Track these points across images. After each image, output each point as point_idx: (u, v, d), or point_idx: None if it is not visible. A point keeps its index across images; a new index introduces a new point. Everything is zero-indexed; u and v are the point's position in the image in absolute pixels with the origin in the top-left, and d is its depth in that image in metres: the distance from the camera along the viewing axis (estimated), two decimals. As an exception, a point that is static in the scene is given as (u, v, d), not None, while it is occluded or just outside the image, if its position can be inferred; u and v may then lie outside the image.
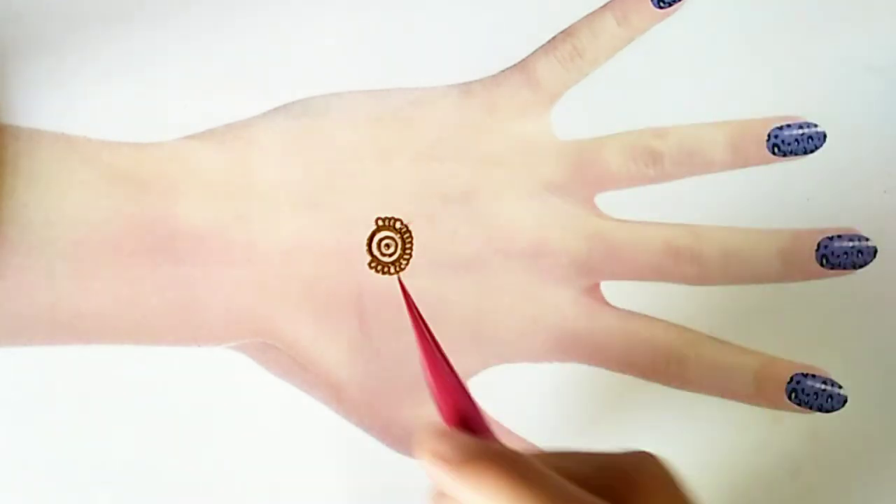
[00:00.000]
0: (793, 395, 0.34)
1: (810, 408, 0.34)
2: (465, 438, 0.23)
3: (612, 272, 0.34)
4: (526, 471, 0.21)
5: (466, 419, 0.24)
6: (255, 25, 0.34)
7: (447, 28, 0.34)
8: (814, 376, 0.34)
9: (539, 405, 0.34)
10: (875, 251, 0.34)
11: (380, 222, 0.34)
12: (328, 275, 0.34)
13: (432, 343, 0.25)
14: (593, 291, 0.34)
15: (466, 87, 0.34)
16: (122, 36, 0.33)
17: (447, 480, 0.22)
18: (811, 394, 0.34)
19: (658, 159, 0.34)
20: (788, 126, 0.34)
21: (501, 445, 0.23)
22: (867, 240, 0.34)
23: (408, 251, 0.34)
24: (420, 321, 0.26)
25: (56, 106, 0.33)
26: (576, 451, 0.25)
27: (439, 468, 0.22)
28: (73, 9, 0.33)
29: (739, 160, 0.34)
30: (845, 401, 0.34)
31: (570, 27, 0.34)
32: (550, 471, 0.22)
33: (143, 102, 0.33)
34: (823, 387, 0.34)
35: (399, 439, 0.34)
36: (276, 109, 0.34)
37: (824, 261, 0.34)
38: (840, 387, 0.34)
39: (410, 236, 0.34)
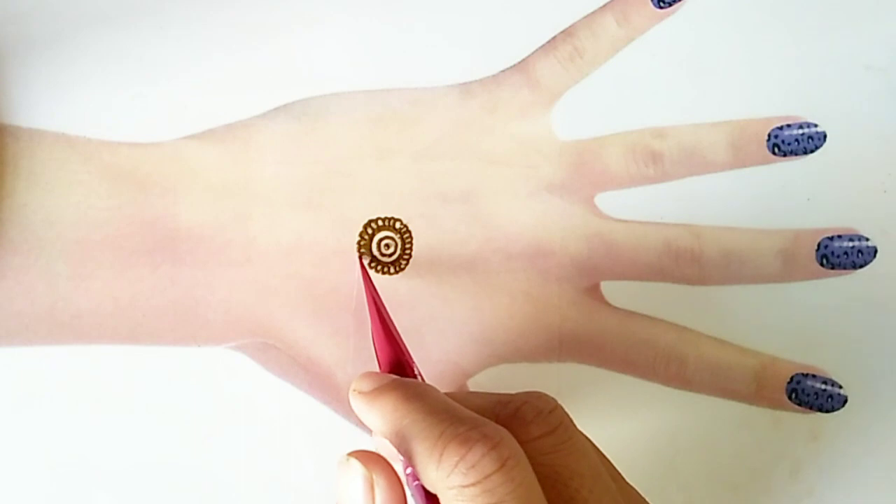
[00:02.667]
0: (793, 395, 0.34)
1: (810, 408, 0.34)
2: (381, 376, 0.26)
3: (612, 272, 0.34)
4: (418, 394, 0.24)
5: (399, 365, 0.27)
6: (255, 25, 0.34)
7: (447, 28, 0.34)
8: (814, 376, 0.34)
9: (539, 405, 0.34)
10: (875, 251, 0.34)
11: (379, 222, 0.34)
12: (328, 275, 0.34)
13: (380, 306, 0.29)
14: (593, 291, 0.34)
15: (466, 87, 0.34)
16: (122, 36, 0.33)
17: (358, 407, 0.26)
18: (811, 394, 0.34)
19: (658, 159, 0.34)
20: (788, 126, 0.34)
21: (408, 380, 0.26)
22: (867, 240, 0.34)
23: (408, 251, 0.34)
24: (369, 287, 0.30)
25: (56, 106, 0.33)
26: (490, 392, 0.27)
27: (355, 399, 0.26)
28: (73, 9, 0.33)
29: (739, 160, 0.34)
30: (845, 401, 0.34)
31: (570, 27, 0.34)
32: (445, 398, 0.25)
33: (143, 102, 0.33)
34: (823, 387, 0.34)
35: (399, 439, 0.34)
36: (276, 109, 0.34)
37: (824, 261, 0.34)
38: (840, 387, 0.34)
39: (410, 236, 0.34)
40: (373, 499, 0.25)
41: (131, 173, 0.33)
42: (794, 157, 0.34)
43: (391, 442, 0.25)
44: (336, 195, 0.34)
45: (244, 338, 0.33)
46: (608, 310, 0.34)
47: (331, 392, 0.34)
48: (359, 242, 0.34)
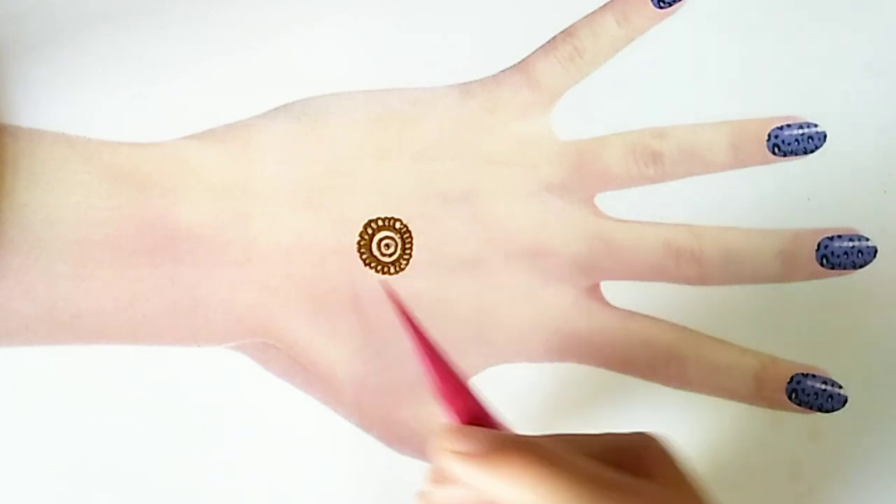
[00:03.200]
0: (793, 395, 0.34)
1: (810, 408, 0.34)
2: (485, 432, 0.23)
3: (612, 272, 0.34)
4: (551, 455, 0.22)
5: (478, 417, 0.24)
6: (255, 25, 0.34)
7: (447, 28, 0.34)
8: (814, 376, 0.34)
9: (539, 405, 0.34)
10: (875, 251, 0.34)
11: (379, 222, 0.34)
12: (328, 274, 0.34)
13: (433, 349, 0.25)
14: (593, 291, 0.34)
15: (466, 87, 0.34)
16: (122, 36, 0.33)
17: (475, 474, 0.22)
18: (811, 394, 0.34)
19: (658, 159, 0.34)
20: (788, 126, 0.34)
21: (520, 435, 0.24)
22: (867, 240, 0.34)
23: (408, 251, 0.34)
24: (415, 329, 0.26)
25: (56, 106, 0.33)
26: (576, 434, 0.25)
27: (465, 464, 0.22)
28: (73, 9, 0.33)
29: (739, 160, 0.34)
30: (845, 401, 0.34)
31: (570, 27, 0.34)
32: (571, 454, 0.23)
33: (143, 102, 0.33)
34: (823, 387, 0.34)
35: (399, 439, 0.34)
36: (276, 109, 0.34)
37: (824, 261, 0.34)
38: (840, 387, 0.34)
39: (410, 236, 0.34)
40: None
41: (131, 173, 0.33)
42: (794, 157, 0.34)
43: None
44: (336, 195, 0.34)
45: (244, 338, 0.33)
46: (608, 310, 0.34)
47: (331, 392, 0.34)
48: (359, 242, 0.34)
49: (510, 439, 0.23)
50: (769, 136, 0.34)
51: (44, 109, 0.33)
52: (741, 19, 0.35)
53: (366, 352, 0.34)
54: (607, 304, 0.34)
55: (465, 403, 0.24)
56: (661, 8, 0.35)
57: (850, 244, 0.34)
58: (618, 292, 0.34)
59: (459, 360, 0.34)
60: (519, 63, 0.34)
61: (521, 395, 0.34)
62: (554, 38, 0.34)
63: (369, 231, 0.34)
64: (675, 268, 0.34)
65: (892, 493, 0.35)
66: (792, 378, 0.34)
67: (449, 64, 0.34)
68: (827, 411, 0.34)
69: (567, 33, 0.34)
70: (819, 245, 0.34)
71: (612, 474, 0.23)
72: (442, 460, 0.23)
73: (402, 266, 0.34)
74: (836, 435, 0.34)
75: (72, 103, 0.33)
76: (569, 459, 0.22)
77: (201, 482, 0.33)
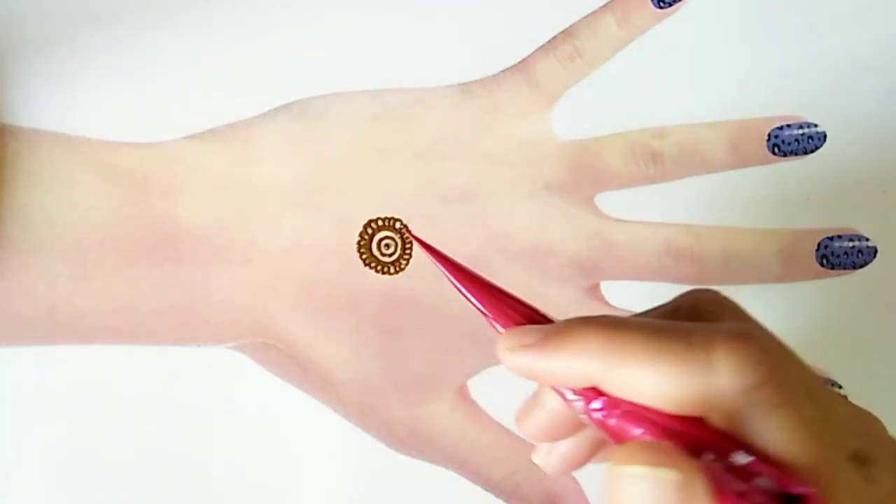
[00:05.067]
0: (824, 261, 0.34)
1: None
2: (537, 326, 0.22)
3: (612, 272, 0.34)
4: (608, 320, 0.20)
5: (534, 320, 0.23)
6: (256, 26, 0.34)
7: (447, 28, 0.34)
8: (814, 376, 0.34)
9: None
10: (875, 251, 0.34)
11: (379, 222, 0.34)
12: (328, 275, 0.34)
13: (469, 272, 0.24)
14: (593, 291, 0.34)
15: (466, 87, 0.34)
16: (122, 36, 0.33)
17: (539, 360, 0.21)
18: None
19: (658, 159, 0.34)
20: (788, 126, 0.34)
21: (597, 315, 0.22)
22: (867, 240, 0.34)
23: (408, 251, 0.34)
24: (446, 260, 0.25)
25: (56, 106, 0.33)
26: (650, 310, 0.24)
27: (526, 355, 0.21)
28: (73, 9, 0.33)
29: (739, 160, 0.34)
30: (845, 401, 0.34)
31: (570, 27, 0.34)
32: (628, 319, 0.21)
33: (143, 102, 0.33)
34: (823, 387, 0.34)
35: (399, 439, 0.34)
36: (276, 109, 0.34)
37: (824, 261, 0.34)
38: (840, 386, 0.34)
39: (410, 236, 0.34)
40: None
41: (131, 173, 0.33)
42: (794, 157, 0.34)
43: (601, 382, 0.20)
44: (336, 195, 0.34)
45: (244, 338, 0.33)
46: (608, 310, 0.34)
47: (331, 392, 0.34)
48: (359, 242, 0.34)
49: (563, 322, 0.21)
50: (769, 136, 0.34)
51: (44, 109, 0.33)
52: (741, 19, 0.35)
53: (366, 352, 0.34)
54: (607, 304, 0.34)
55: (516, 311, 0.23)
56: (661, 8, 0.35)
57: (850, 244, 0.34)
58: (618, 292, 0.34)
59: (459, 360, 0.34)
60: (519, 63, 0.34)
61: (521, 395, 0.34)
62: (554, 38, 0.34)
63: (369, 231, 0.34)
64: (675, 268, 0.34)
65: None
66: (819, 244, 0.34)
67: (449, 64, 0.34)
68: (827, 411, 0.34)
69: (567, 33, 0.34)
70: (819, 245, 0.34)
71: (676, 322, 0.21)
72: (506, 362, 0.22)
73: (402, 266, 0.34)
74: (836, 435, 0.34)
75: (72, 103, 0.33)
76: (627, 320, 0.21)
77: (201, 482, 0.33)
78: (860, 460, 0.20)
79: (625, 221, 0.34)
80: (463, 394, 0.34)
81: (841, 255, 0.34)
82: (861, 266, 0.34)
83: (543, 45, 0.34)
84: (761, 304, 0.34)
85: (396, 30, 0.34)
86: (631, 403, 0.19)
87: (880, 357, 0.35)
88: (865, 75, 0.35)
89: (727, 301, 0.23)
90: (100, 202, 0.33)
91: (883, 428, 0.22)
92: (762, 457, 0.18)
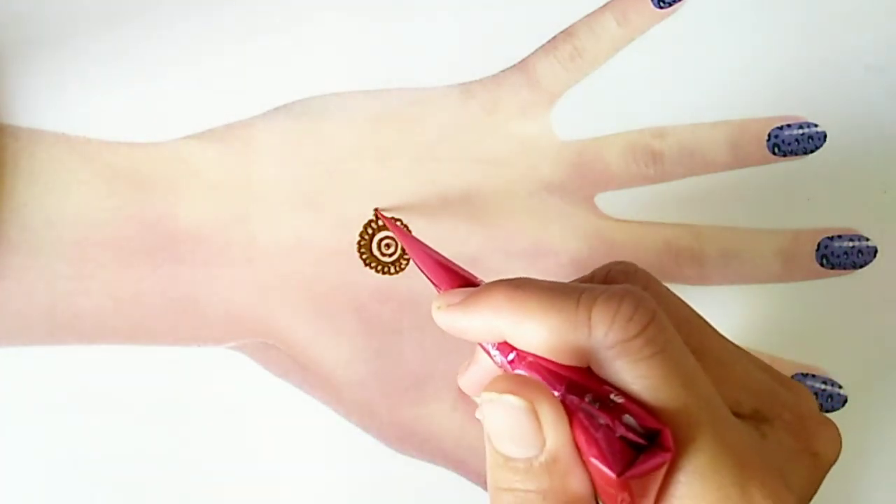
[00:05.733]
0: (823, 261, 0.34)
1: (810, 407, 0.34)
2: (461, 289, 0.25)
3: (612, 272, 0.34)
4: (520, 281, 0.23)
5: (469, 285, 0.26)
6: (255, 25, 0.34)
7: (447, 28, 0.34)
8: (814, 376, 0.34)
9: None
10: (875, 251, 0.34)
11: (379, 222, 0.34)
12: (328, 275, 0.34)
13: (423, 246, 0.28)
14: (593, 291, 0.34)
15: (466, 87, 0.34)
16: (122, 36, 0.33)
17: (454, 316, 0.24)
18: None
19: (658, 159, 0.34)
20: (788, 126, 0.34)
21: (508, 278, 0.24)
22: (867, 240, 0.34)
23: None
24: (399, 230, 0.30)
25: (56, 106, 0.33)
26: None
27: (446, 312, 0.24)
28: (73, 9, 0.33)
29: (739, 160, 0.34)
30: (845, 401, 0.34)
31: (570, 27, 0.34)
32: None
33: (143, 102, 0.33)
34: (823, 387, 0.34)
35: (399, 439, 0.34)
36: (276, 109, 0.34)
37: (824, 261, 0.34)
38: (840, 387, 0.34)
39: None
40: (542, 434, 0.21)
41: (131, 173, 0.33)
42: (794, 157, 0.34)
43: (507, 336, 0.22)
44: (336, 195, 0.34)
45: (244, 338, 0.33)
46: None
47: (331, 392, 0.34)
48: (359, 242, 0.34)
49: (492, 282, 0.23)
50: (769, 136, 0.34)
51: (44, 109, 0.33)
52: (741, 19, 0.35)
53: (366, 352, 0.34)
54: (607, 304, 0.34)
55: (456, 274, 0.26)
56: (661, 8, 0.35)
57: (850, 244, 0.34)
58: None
59: (459, 359, 0.34)
60: (519, 63, 0.34)
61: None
62: (554, 38, 0.34)
63: (369, 231, 0.34)
64: (675, 268, 0.34)
65: (893, 493, 0.35)
66: (791, 378, 0.34)
67: (449, 64, 0.34)
68: (827, 411, 0.34)
69: (567, 33, 0.34)
70: (819, 245, 0.34)
71: (571, 284, 0.23)
72: (436, 319, 0.25)
73: (402, 266, 0.34)
74: (836, 435, 0.34)
75: (72, 103, 0.33)
76: (530, 281, 0.23)
77: (201, 482, 0.33)
78: (758, 418, 0.23)
79: (625, 221, 0.34)
80: (462, 394, 0.34)
81: (841, 255, 0.34)
82: (861, 266, 0.34)
83: (543, 45, 0.34)
84: (761, 304, 0.35)
85: (396, 30, 0.34)
86: (532, 355, 0.22)
87: (880, 357, 0.35)
88: (865, 75, 0.35)
89: (637, 270, 0.25)
90: (100, 202, 0.33)
91: (806, 398, 0.24)
92: (630, 399, 0.20)
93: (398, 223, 0.34)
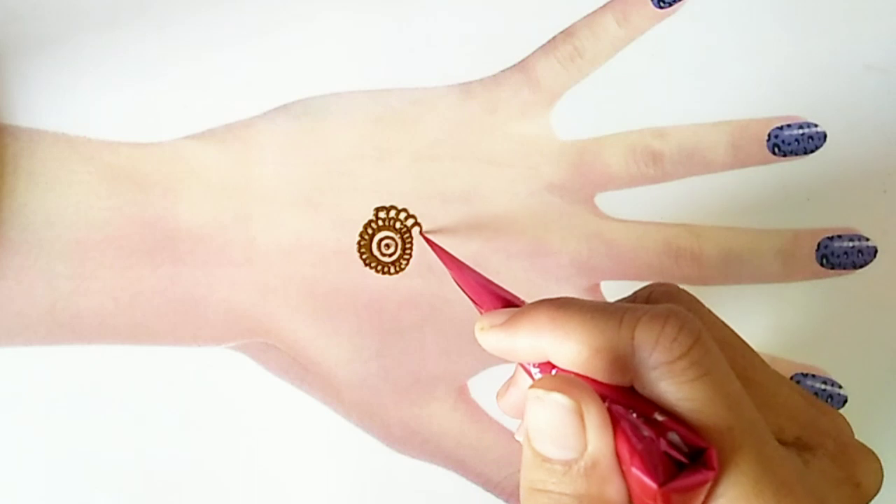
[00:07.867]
0: (823, 261, 0.34)
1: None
2: (504, 309, 0.25)
3: (612, 272, 0.34)
4: (564, 300, 0.23)
5: (511, 305, 0.26)
6: (255, 25, 0.34)
7: (447, 28, 0.34)
8: (814, 376, 0.34)
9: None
10: (875, 251, 0.34)
11: (380, 222, 0.34)
12: (328, 275, 0.34)
13: (463, 266, 0.28)
14: (593, 291, 0.34)
15: (466, 87, 0.34)
16: (122, 36, 0.33)
17: (497, 338, 0.24)
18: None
19: (658, 159, 0.34)
20: (788, 126, 0.34)
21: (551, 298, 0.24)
22: (867, 240, 0.34)
23: (408, 251, 0.34)
24: (442, 251, 0.30)
25: (56, 106, 0.33)
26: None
27: (490, 334, 0.24)
28: (73, 9, 0.33)
29: (739, 160, 0.34)
30: (845, 401, 0.34)
31: (570, 27, 0.34)
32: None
33: (143, 102, 0.33)
34: (823, 387, 0.34)
35: (399, 439, 0.34)
36: (276, 109, 0.34)
37: (824, 261, 0.34)
38: (840, 387, 0.34)
39: (410, 236, 0.34)
40: (584, 437, 0.21)
41: (131, 173, 0.33)
42: (794, 157, 0.34)
43: (550, 355, 0.22)
44: (336, 195, 0.34)
45: (244, 338, 0.33)
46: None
47: (331, 392, 0.34)
48: (359, 243, 0.34)
49: (535, 302, 0.23)
50: (769, 136, 0.34)
51: (44, 109, 0.33)
52: (741, 19, 0.35)
53: (366, 352, 0.34)
54: (607, 304, 0.34)
55: (500, 295, 0.26)
56: (661, 8, 0.35)
57: (850, 244, 0.34)
58: (618, 292, 0.34)
59: (459, 360, 0.34)
60: (519, 63, 0.34)
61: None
62: (554, 38, 0.34)
63: (369, 231, 0.34)
64: (675, 268, 0.34)
65: (893, 492, 0.35)
66: (791, 377, 0.34)
67: (449, 64, 0.34)
68: (827, 411, 0.34)
69: (567, 33, 0.34)
70: (819, 245, 0.34)
71: (614, 304, 0.23)
72: (479, 341, 0.25)
73: (402, 266, 0.34)
74: (836, 435, 0.34)
75: (72, 103, 0.33)
76: (573, 301, 0.23)
77: (201, 482, 0.33)
78: (801, 446, 0.23)
79: (625, 221, 0.34)
80: (463, 394, 0.34)
81: (841, 255, 0.34)
82: (861, 266, 0.34)
83: (543, 45, 0.34)
84: (761, 304, 0.35)
85: (397, 30, 0.34)
86: (576, 374, 0.22)
87: (880, 357, 0.35)
88: (865, 75, 0.35)
89: (679, 290, 0.25)
90: (100, 202, 0.33)
91: (845, 426, 0.24)
92: (674, 418, 0.20)
93: (401, 225, 0.34)
